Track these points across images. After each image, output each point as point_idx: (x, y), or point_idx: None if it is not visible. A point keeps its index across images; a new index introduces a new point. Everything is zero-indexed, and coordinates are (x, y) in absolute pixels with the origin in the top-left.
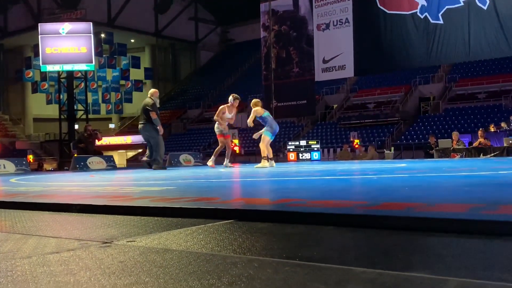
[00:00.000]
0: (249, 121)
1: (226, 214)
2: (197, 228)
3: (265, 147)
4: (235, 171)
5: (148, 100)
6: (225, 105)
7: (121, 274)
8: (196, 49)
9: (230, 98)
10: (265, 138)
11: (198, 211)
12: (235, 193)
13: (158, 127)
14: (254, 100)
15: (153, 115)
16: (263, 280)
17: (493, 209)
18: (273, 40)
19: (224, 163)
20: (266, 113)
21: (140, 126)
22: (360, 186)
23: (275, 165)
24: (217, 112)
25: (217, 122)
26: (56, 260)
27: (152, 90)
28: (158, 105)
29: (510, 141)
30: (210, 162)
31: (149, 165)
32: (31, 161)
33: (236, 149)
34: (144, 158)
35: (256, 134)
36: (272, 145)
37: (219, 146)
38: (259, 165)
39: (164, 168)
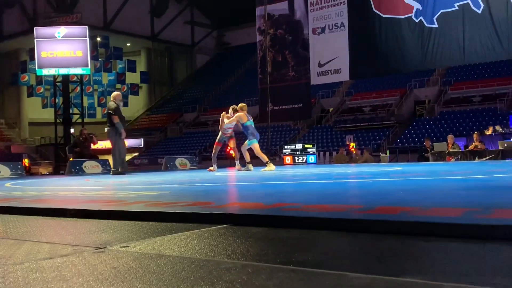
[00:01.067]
0: (230, 121)
1: (220, 219)
2: (191, 233)
3: (261, 153)
4: (230, 176)
5: (110, 104)
6: (225, 113)
7: (114, 281)
8: (192, 52)
9: (230, 110)
10: (255, 146)
11: (192, 216)
12: (230, 198)
13: (121, 131)
14: (241, 104)
15: (115, 119)
16: (257, 286)
17: (487, 213)
18: (269, 44)
19: (236, 166)
20: (249, 122)
21: (105, 130)
22: (355, 190)
23: (254, 169)
24: (221, 120)
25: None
26: (49, 266)
27: (115, 93)
28: (122, 108)
29: (505, 144)
30: (212, 168)
31: (118, 173)
32: (27, 165)
33: (232, 153)
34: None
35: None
36: (268, 148)
37: (213, 152)
38: (265, 168)
39: (122, 173)
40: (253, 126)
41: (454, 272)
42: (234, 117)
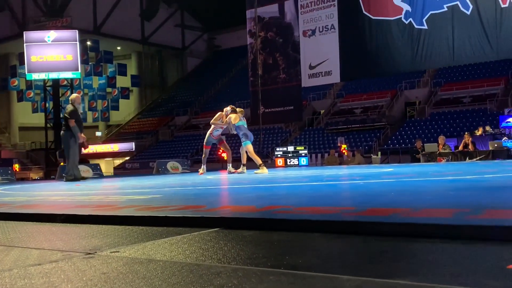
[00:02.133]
0: (224, 122)
1: (211, 223)
2: (182, 237)
3: (255, 155)
4: (222, 179)
5: (68, 107)
6: (222, 112)
7: (103, 286)
8: (183, 56)
9: (228, 109)
10: (249, 147)
11: (183, 220)
12: (222, 201)
13: (76, 135)
14: (239, 109)
15: (71, 123)
16: None
17: (478, 214)
18: (260, 47)
19: (227, 169)
20: (241, 122)
21: (61, 134)
22: (346, 191)
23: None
24: (214, 118)
25: (210, 131)
26: (38, 272)
27: (73, 95)
28: (81, 111)
29: (495, 145)
30: (201, 170)
31: (71, 180)
32: (17, 170)
33: (224, 155)
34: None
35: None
36: (260, 150)
37: (203, 156)
38: (258, 171)
39: (77, 179)
40: (245, 126)
41: (445, 273)
42: (227, 118)
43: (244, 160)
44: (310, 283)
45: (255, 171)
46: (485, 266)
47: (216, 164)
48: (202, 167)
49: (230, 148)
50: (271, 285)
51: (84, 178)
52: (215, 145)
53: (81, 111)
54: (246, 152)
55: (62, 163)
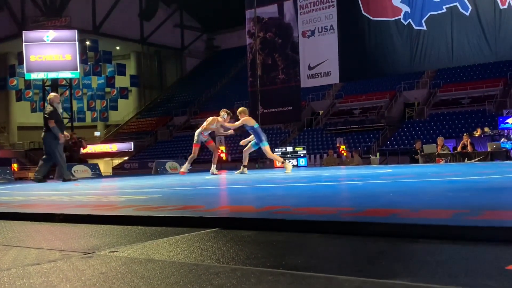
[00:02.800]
0: (235, 125)
1: (210, 223)
2: (181, 237)
3: (273, 154)
4: (221, 178)
5: (47, 107)
6: (217, 117)
7: (101, 286)
8: (182, 56)
9: (224, 114)
10: (267, 148)
11: (182, 220)
12: (221, 201)
13: (58, 135)
14: (242, 108)
15: (51, 123)
16: None
17: (476, 215)
18: (259, 47)
19: (211, 170)
20: (257, 125)
21: (42, 135)
22: (345, 192)
23: (247, 172)
24: (208, 122)
25: (201, 131)
26: (36, 272)
27: (51, 95)
28: (60, 110)
29: (494, 146)
30: (183, 169)
31: (38, 180)
32: (15, 170)
33: (223, 155)
34: (32, 174)
35: (244, 141)
36: (258, 151)
37: (192, 155)
38: (287, 170)
39: (70, 179)
40: (260, 128)
41: (443, 274)
42: (240, 122)
43: (245, 161)
44: (309, 283)
45: (285, 171)
46: (484, 267)
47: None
48: (185, 165)
49: (217, 149)
50: (269, 285)
51: (73, 179)
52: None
53: (61, 111)
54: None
55: None
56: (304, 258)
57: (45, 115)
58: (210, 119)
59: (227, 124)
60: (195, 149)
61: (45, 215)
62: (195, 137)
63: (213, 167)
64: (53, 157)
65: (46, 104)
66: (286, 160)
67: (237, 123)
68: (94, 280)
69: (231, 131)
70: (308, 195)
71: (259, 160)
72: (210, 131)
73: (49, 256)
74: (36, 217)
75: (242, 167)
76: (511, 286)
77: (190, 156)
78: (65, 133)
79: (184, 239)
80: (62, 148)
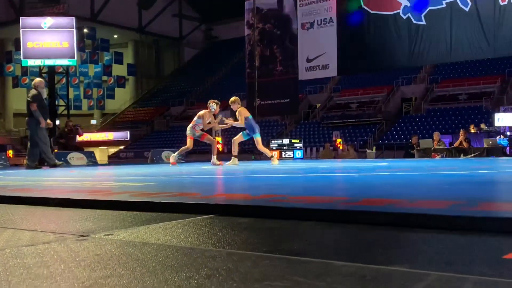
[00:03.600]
0: (242, 123)
1: (206, 209)
2: (176, 223)
3: (264, 148)
4: (218, 168)
5: (31, 91)
6: (206, 111)
7: (96, 267)
8: (179, 46)
9: (213, 105)
10: (258, 139)
11: (178, 206)
12: (217, 189)
13: (39, 119)
14: (234, 98)
15: (33, 107)
16: (242, 273)
17: (473, 206)
18: (257, 38)
19: (211, 161)
20: (250, 116)
21: (25, 120)
22: (341, 183)
23: (238, 163)
24: (198, 116)
25: (192, 125)
26: (31, 252)
27: (36, 79)
28: (45, 95)
29: (490, 142)
30: (172, 159)
31: (30, 168)
32: (11, 156)
33: (220, 146)
34: (25, 161)
35: (228, 121)
36: (254, 143)
37: (186, 146)
38: (273, 163)
39: (56, 165)
40: (253, 119)
41: (440, 261)
42: (241, 117)
43: (235, 151)
44: (305, 268)
45: (271, 163)
46: (480, 256)
47: (210, 156)
48: (175, 154)
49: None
50: (266, 269)
51: (58, 164)
52: (196, 140)
53: (45, 96)
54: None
55: (56, 150)
56: (300, 244)
57: (28, 99)
58: (200, 113)
59: (232, 123)
60: (189, 140)
61: (40, 199)
62: (188, 131)
63: (214, 157)
64: (33, 142)
65: (31, 89)
66: (275, 154)
67: (239, 121)
68: (88, 261)
69: (228, 125)
70: (304, 185)
71: (255, 152)
72: (201, 127)
73: (44, 238)
74: (31, 201)
75: (232, 157)
76: (508, 274)
77: (184, 147)
78: (48, 121)
79: (180, 225)
80: (44, 133)
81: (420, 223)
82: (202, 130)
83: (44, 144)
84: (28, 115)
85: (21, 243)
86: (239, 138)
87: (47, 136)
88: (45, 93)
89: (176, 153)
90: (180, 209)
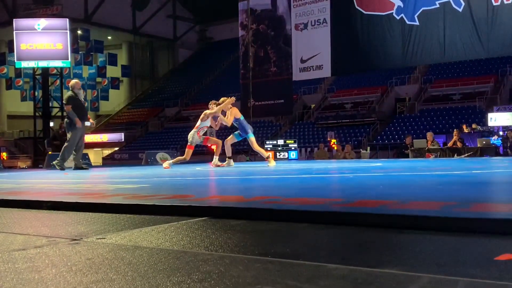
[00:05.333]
0: (230, 122)
1: (199, 212)
2: (169, 226)
3: (259, 147)
4: (212, 170)
5: (67, 93)
6: (206, 110)
7: (88, 272)
8: (174, 47)
9: (213, 106)
10: (252, 139)
11: (171, 209)
12: (210, 191)
13: (73, 120)
14: (226, 99)
15: (67, 108)
16: (234, 277)
17: (465, 207)
18: (251, 39)
19: (213, 162)
20: (242, 117)
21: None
22: (335, 184)
23: (233, 164)
24: (200, 119)
25: (196, 130)
26: (22, 257)
27: (72, 81)
28: (82, 97)
29: (484, 142)
30: (166, 164)
31: (76, 168)
32: (5, 158)
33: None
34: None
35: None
36: (248, 143)
37: (183, 157)
38: (269, 164)
39: (82, 167)
40: (245, 120)
41: (432, 263)
42: (230, 116)
43: (229, 153)
44: (297, 271)
45: (268, 164)
46: (472, 257)
47: (205, 156)
48: (170, 162)
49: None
50: (258, 272)
51: (82, 168)
52: (197, 146)
53: (82, 97)
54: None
55: (50, 152)
56: (293, 247)
57: (64, 101)
58: (204, 113)
59: (222, 119)
60: (188, 151)
61: (33, 202)
62: (190, 138)
63: (215, 158)
64: (68, 141)
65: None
66: (270, 155)
67: (229, 119)
68: (80, 266)
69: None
70: (298, 187)
71: (249, 153)
72: (205, 129)
73: (36, 242)
74: (24, 204)
75: (227, 159)
76: (499, 275)
77: (181, 158)
78: (91, 120)
79: (173, 227)
80: (79, 134)
81: (412, 224)
82: (204, 134)
83: (70, 144)
84: (66, 117)
85: (13, 248)
86: (231, 139)
87: (82, 137)
88: (81, 94)
89: (172, 161)
90: (173, 211)
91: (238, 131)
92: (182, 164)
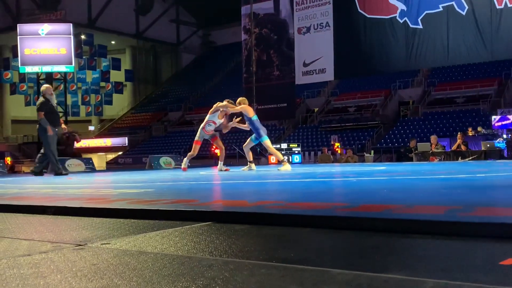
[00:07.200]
0: (236, 110)
1: (203, 216)
2: (173, 231)
3: (275, 150)
4: (215, 175)
5: (39, 99)
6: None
7: (93, 277)
8: (177, 51)
9: (225, 102)
10: (267, 142)
11: (175, 213)
12: (214, 195)
13: (45, 127)
14: (242, 98)
15: (39, 115)
16: (239, 283)
17: (469, 211)
18: (254, 43)
19: (218, 167)
20: (255, 116)
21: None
22: (339, 188)
23: (256, 168)
24: (210, 111)
25: (203, 125)
26: (27, 262)
27: (43, 86)
28: (54, 102)
29: (488, 145)
30: (183, 165)
31: (35, 174)
32: (8, 163)
33: (218, 151)
34: (32, 168)
35: (236, 123)
36: (253, 148)
37: (191, 152)
38: (281, 167)
39: (61, 173)
40: (259, 121)
41: (436, 268)
42: (239, 107)
43: (249, 157)
44: (301, 276)
45: (279, 168)
46: (477, 262)
47: (209, 161)
48: (185, 160)
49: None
50: (262, 277)
51: (64, 173)
52: (206, 141)
53: (55, 103)
54: (260, 148)
55: None
56: (297, 252)
57: (36, 107)
58: (214, 106)
59: (229, 109)
60: (195, 146)
61: (37, 208)
62: (198, 133)
63: (220, 163)
64: (44, 148)
65: (39, 96)
66: (285, 159)
67: (237, 108)
68: (85, 271)
69: (245, 126)
70: (302, 191)
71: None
72: (213, 125)
73: (40, 248)
74: (28, 209)
75: (248, 163)
76: (504, 280)
77: (189, 153)
78: (63, 125)
79: (177, 232)
80: (52, 140)
81: (416, 229)
82: (216, 130)
83: (50, 152)
84: (38, 124)
85: (18, 253)
86: (248, 143)
87: (55, 143)
88: (53, 99)
89: (185, 159)
90: (177, 216)
91: (254, 135)
92: (188, 168)
